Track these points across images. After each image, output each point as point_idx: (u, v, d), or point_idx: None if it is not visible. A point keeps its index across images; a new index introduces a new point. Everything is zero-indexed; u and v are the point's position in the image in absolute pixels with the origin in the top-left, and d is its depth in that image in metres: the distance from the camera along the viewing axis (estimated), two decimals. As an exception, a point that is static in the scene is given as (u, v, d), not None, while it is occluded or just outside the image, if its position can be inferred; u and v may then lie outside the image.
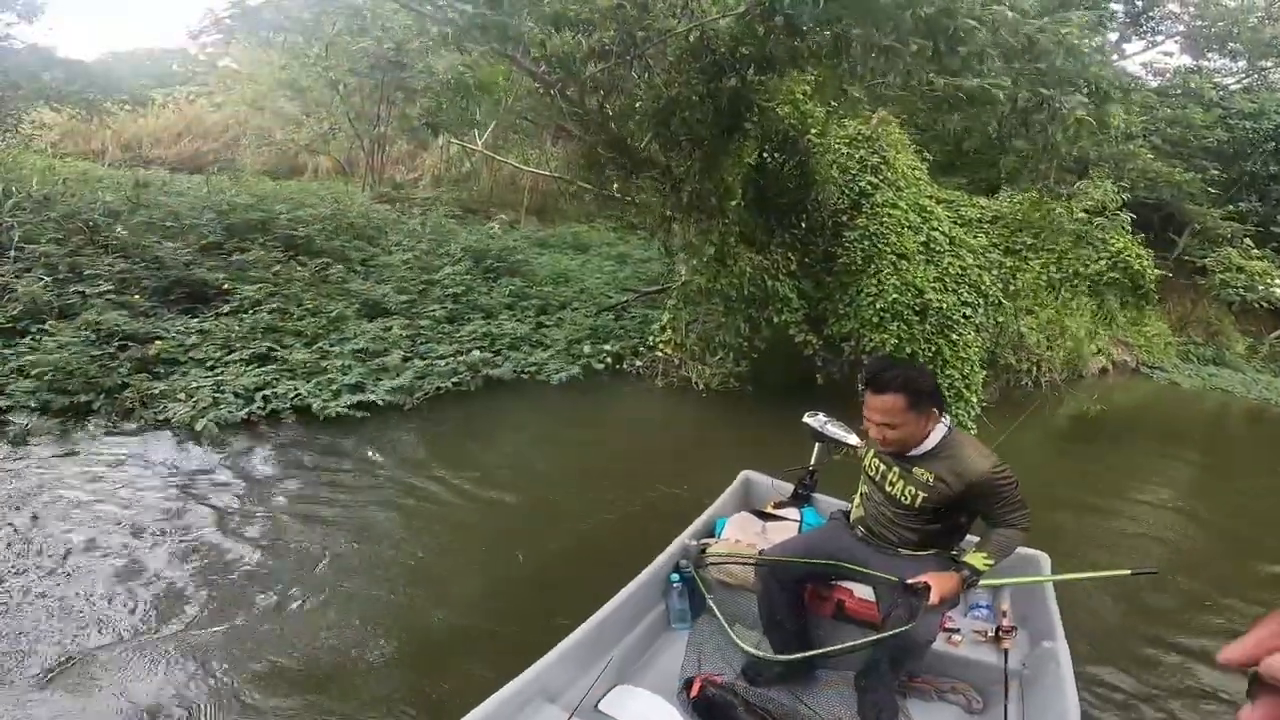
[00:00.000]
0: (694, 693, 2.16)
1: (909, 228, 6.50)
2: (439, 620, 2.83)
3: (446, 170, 12.56)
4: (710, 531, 2.86)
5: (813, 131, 6.23)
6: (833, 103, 5.88)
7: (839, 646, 2.21)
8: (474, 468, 4.33)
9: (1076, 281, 7.77)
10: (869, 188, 6.57)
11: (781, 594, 2.34)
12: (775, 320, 6.09)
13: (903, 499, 2.14)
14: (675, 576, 2.55)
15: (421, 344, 5.76)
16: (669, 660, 2.41)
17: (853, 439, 2.77)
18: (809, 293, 6.33)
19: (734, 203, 6.04)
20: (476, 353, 5.75)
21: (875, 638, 2.13)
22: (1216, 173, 13.59)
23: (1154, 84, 16.13)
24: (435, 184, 12.21)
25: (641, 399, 6.31)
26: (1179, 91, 14.98)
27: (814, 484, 3.08)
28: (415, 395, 4.96)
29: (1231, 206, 13.88)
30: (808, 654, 2.23)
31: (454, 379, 5.28)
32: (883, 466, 2.21)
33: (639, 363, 6.63)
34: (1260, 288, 12.08)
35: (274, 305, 5.61)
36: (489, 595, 3.06)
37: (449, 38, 5.11)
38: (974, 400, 6.26)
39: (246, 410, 4.35)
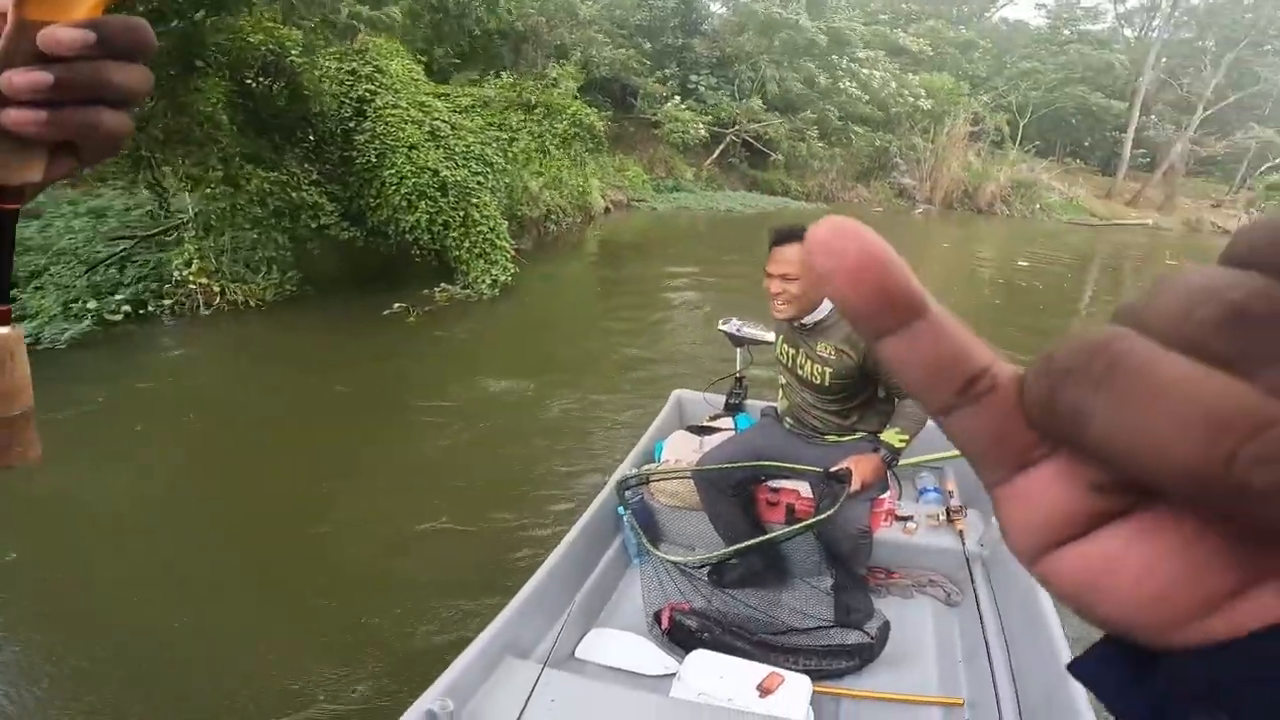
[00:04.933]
0: (665, 624, 2.12)
1: (412, 122, 7.81)
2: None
3: None
4: (650, 456, 2.85)
5: (294, 53, 6.86)
6: (309, 24, 6.49)
7: (762, 539, 2.19)
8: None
9: (555, 141, 10.21)
10: (368, 94, 7.61)
11: (725, 500, 2.30)
12: (313, 225, 6.87)
13: (814, 379, 2.10)
14: (622, 509, 2.45)
15: None
16: (636, 596, 2.32)
17: (769, 336, 2.66)
18: (339, 194, 7.25)
19: (222, 130, 6.25)
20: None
21: (796, 527, 2.14)
22: (648, 47, 17.94)
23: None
24: None
25: (191, 331, 6.25)
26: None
27: (745, 391, 3.10)
28: None
29: (662, 72, 18.55)
30: (729, 550, 2.19)
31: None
32: (791, 350, 2.17)
33: (167, 302, 6.44)
34: (691, 130, 16.78)
35: None
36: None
37: None
38: (506, 247, 8.15)
39: None
